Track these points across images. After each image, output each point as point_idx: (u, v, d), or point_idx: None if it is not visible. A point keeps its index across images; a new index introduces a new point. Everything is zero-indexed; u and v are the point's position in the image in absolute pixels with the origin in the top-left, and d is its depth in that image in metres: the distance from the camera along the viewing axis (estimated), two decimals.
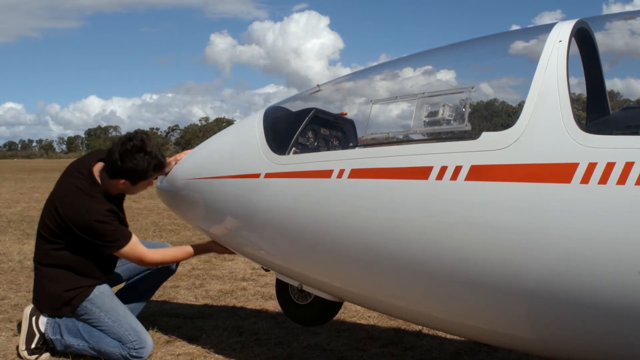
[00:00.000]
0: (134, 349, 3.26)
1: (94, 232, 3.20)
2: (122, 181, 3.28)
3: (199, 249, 3.53)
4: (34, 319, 3.36)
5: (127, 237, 3.30)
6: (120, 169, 3.23)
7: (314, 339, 3.73)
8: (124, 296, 3.67)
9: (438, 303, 2.39)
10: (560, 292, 1.96)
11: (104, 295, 3.34)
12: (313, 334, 3.82)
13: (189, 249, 3.51)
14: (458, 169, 2.15)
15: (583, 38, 2.71)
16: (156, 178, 3.46)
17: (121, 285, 3.85)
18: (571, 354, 2.17)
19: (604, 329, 1.96)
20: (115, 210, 3.33)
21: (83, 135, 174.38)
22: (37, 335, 3.34)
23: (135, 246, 3.32)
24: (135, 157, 3.20)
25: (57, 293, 3.29)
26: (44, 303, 3.35)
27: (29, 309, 3.40)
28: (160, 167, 3.33)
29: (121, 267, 3.69)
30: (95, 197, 3.26)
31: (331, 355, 3.46)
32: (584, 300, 1.92)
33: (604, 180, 1.84)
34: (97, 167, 3.35)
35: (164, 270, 3.81)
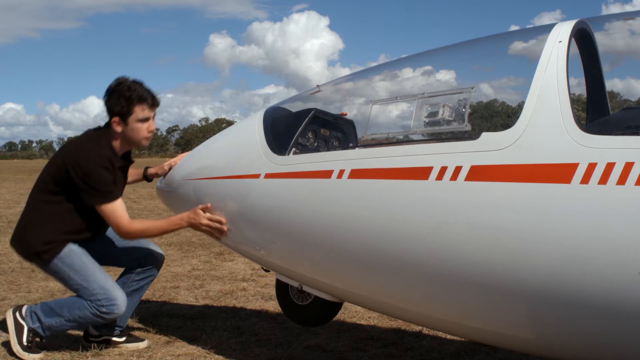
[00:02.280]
0: (104, 306, 3.21)
1: (84, 175, 3.12)
2: (115, 120, 3.20)
3: (177, 222, 3.20)
4: (17, 313, 3.35)
5: (113, 196, 3.20)
6: (107, 106, 3.22)
7: (314, 339, 3.73)
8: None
9: (438, 303, 2.39)
10: (560, 293, 1.96)
11: (73, 254, 3.26)
12: (313, 334, 3.82)
13: (168, 221, 3.28)
14: (458, 170, 2.15)
15: (583, 38, 2.71)
16: (148, 120, 3.25)
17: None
18: (571, 354, 2.17)
19: (604, 329, 1.96)
20: (113, 163, 3.25)
21: None
22: (25, 327, 3.31)
23: (117, 209, 3.20)
24: (116, 90, 3.19)
25: (32, 240, 3.29)
26: (19, 247, 3.43)
27: (10, 309, 3.41)
28: (141, 97, 3.20)
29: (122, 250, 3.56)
30: (98, 143, 3.22)
31: (331, 356, 3.46)
32: (584, 301, 1.92)
33: (604, 180, 1.84)
34: (105, 127, 3.34)
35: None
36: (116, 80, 3.25)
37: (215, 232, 3.08)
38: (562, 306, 1.98)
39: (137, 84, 3.23)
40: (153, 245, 3.61)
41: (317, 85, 3.32)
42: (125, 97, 3.16)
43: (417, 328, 3.88)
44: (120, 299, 3.25)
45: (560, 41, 2.17)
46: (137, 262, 3.52)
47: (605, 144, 1.90)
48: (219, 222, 3.03)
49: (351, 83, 3.57)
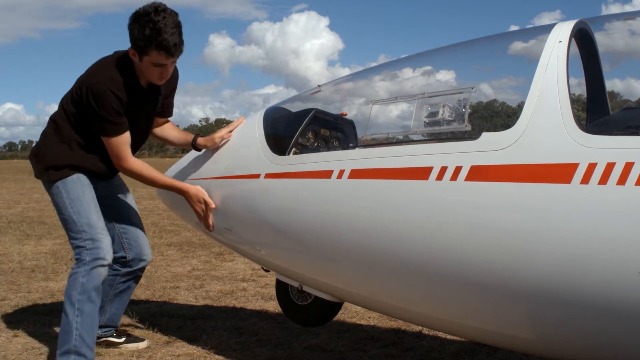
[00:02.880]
0: (88, 250, 2.95)
1: (95, 97, 2.85)
2: (131, 51, 2.86)
3: (179, 185, 3.08)
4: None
5: (121, 129, 2.93)
6: (128, 30, 2.83)
7: (314, 339, 3.72)
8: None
9: (438, 304, 2.39)
10: (561, 293, 1.96)
11: (77, 182, 3.05)
12: (313, 334, 3.82)
13: (168, 179, 3.11)
14: (458, 170, 2.15)
15: (583, 38, 2.71)
16: (163, 66, 2.87)
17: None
18: (571, 354, 2.17)
19: (604, 329, 1.96)
20: (128, 91, 2.91)
21: None
22: None
23: (123, 143, 2.97)
24: (139, 21, 2.76)
25: (45, 156, 3.09)
26: (34, 160, 3.19)
27: None
28: (161, 45, 2.75)
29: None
30: (116, 65, 2.92)
31: (331, 356, 3.46)
32: (584, 301, 1.92)
33: (604, 180, 1.84)
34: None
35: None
36: (146, 7, 2.77)
37: (202, 220, 3.06)
38: (562, 306, 1.98)
39: (165, 22, 2.73)
40: (146, 242, 3.41)
41: (318, 85, 3.32)
42: (144, 34, 2.74)
43: (417, 328, 3.88)
44: (105, 243, 2.99)
45: (560, 41, 2.17)
46: (122, 250, 3.30)
47: (605, 144, 1.91)
48: (207, 218, 3.03)
49: (351, 83, 3.57)
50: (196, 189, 3.03)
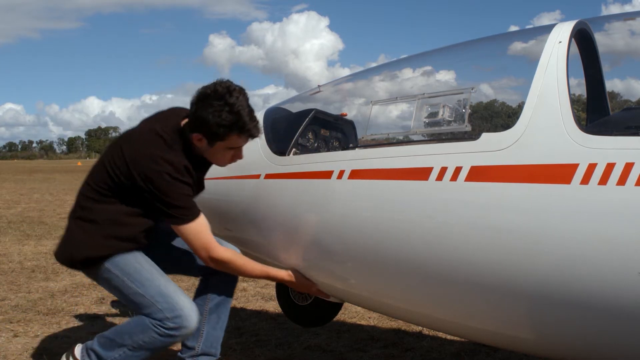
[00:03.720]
0: (168, 319, 2.53)
1: (159, 188, 2.47)
2: (197, 136, 2.52)
3: (275, 274, 2.80)
4: (71, 357, 2.73)
5: (195, 213, 2.56)
6: (194, 117, 2.52)
7: (314, 340, 3.73)
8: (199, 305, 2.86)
9: (438, 304, 2.39)
10: (561, 293, 1.96)
11: (129, 256, 2.63)
12: (313, 335, 3.82)
13: (262, 267, 2.77)
14: (458, 170, 2.15)
15: (583, 39, 2.71)
16: (239, 149, 2.61)
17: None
18: (571, 354, 2.17)
19: (604, 329, 1.96)
20: (192, 174, 2.59)
21: (83, 136, 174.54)
22: None
23: (203, 229, 2.58)
24: (211, 105, 2.44)
25: (79, 245, 2.62)
26: (63, 251, 2.69)
27: (63, 355, 2.79)
28: (243, 128, 2.48)
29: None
30: (173, 148, 2.54)
31: (331, 356, 3.46)
32: (584, 301, 1.92)
33: (604, 181, 1.84)
34: (183, 124, 2.62)
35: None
36: (216, 88, 2.47)
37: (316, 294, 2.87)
38: (562, 306, 1.98)
39: (240, 103, 2.47)
40: (224, 242, 2.88)
41: (319, 85, 3.32)
42: (222, 119, 2.45)
43: (417, 328, 3.88)
44: (187, 308, 2.58)
45: (560, 41, 2.17)
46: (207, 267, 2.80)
47: (605, 145, 1.90)
48: (319, 293, 2.84)
49: (351, 83, 3.57)
50: (289, 275, 2.80)
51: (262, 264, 2.78)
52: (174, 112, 2.72)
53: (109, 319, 4.32)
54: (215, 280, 2.92)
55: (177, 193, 2.51)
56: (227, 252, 2.65)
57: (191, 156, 2.57)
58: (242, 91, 2.50)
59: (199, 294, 2.97)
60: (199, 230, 2.57)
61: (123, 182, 2.54)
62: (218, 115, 2.44)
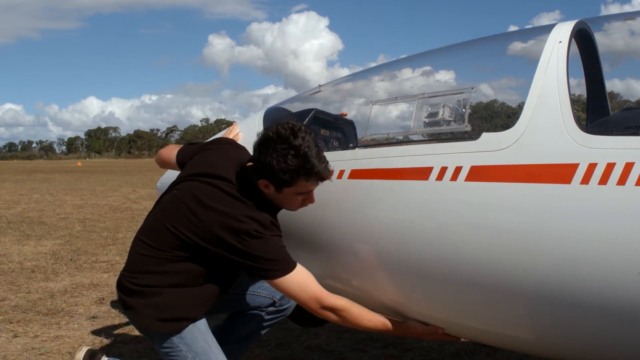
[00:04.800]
0: None
1: (241, 250, 2.29)
2: (264, 182, 2.33)
3: (398, 328, 2.54)
4: None
5: (292, 262, 2.35)
6: (257, 163, 2.34)
7: (314, 340, 3.73)
8: (223, 334, 2.76)
9: (438, 304, 2.39)
10: (561, 293, 1.95)
11: (196, 330, 2.45)
12: (313, 335, 3.82)
13: (382, 319, 2.50)
14: (458, 170, 2.15)
15: (583, 39, 2.71)
16: (308, 193, 2.41)
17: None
18: (571, 354, 2.17)
19: (604, 329, 1.96)
20: (278, 225, 2.41)
21: (83, 137, 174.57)
22: None
23: (307, 278, 2.36)
24: (275, 149, 2.25)
25: (149, 314, 2.40)
26: (133, 316, 2.48)
27: (80, 357, 2.66)
28: (312, 172, 2.28)
29: (237, 293, 2.76)
30: (249, 205, 2.36)
31: (332, 357, 3.46)
32: (584, 301, 1.92)
33: (604, 180, 1.84)
34: (245, 171, 2.44)
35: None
36: (279, 131, 2.27)
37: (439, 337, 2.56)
38: (562, 306, 1.98)
39: (307, 144, 2.26)
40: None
41: (319, 85, 3.32)
42: (288, 165, 2.25)
43: None
44: None
45: (560, 41, 2.17)
46: (271, 300, 2.77)
47: (605, 145, 1.90)
48: (442, 336, 2.52)
49: (351, 83, 3.57)
50: (408, 328, 2.54)
51: (380, 315, 2.50)
52: (223, 154, 2.53)
53: (109, 319, 4.31)
54: (272, 310, 2.81)
55: (270, 247, 2.31)
56: (341, 299, 2.39)
57: (266, 203, 2.40)
58: (307, 130, 2.30)
59: (250, 313, 2.81)
60: (303, 280, 2.35)
61: (186, 246, 2.34)
62: (283, 160, 2.23)
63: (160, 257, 2.37)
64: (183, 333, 2.41)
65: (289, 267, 2.32)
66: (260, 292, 2.69)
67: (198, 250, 2.33)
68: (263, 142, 2.30)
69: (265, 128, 2.37)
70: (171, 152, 2.77)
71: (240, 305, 2.74)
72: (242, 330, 2.75)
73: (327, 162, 2.34)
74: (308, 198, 2.41)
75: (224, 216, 2.30)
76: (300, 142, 2.24)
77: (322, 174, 2.31)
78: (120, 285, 2.47)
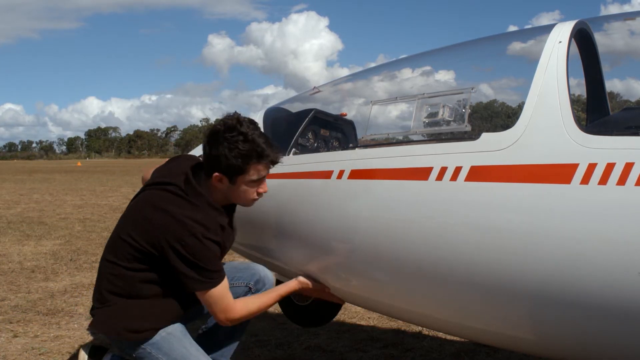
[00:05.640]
0: None
1: (189, 255, 2.31)
2: (217, 176, 2.39)
3: (286, 290, 2.71)
4: None
5: (221, 276, 2.41)
6: (208, 158, 2.41)
7: (314, 340, 3.73)
8: (209, 334, 2.81)
9: (438, 304, 2.39)
10: (561, 293, 1.95)
11: (172, 338, 2.45)
12: (313, 335, 3.82)
13: (273, 294, 2.67)
14: (458, 170, 2.15)
15: (583, 39, 2.71)
16: (261, 181, 2.47)
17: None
18: (572, 354, 2.17)
19: (604, 329, 1.96)
20: (223, 227, 2.47)
21: (83, 137, 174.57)
22: None
23: (226, 291, 2.44)
24: (225, 138, 2.34)
25: (113, 326, 2.43)
26: (99, 329, 2.50)
27: (84, 356, 2.67)
28: (263, 155, 2.37)
29: None
30: (201, 206, 2.39)
31: (331, 357, 3.46)
32: (584, 301, 1.92)
33: (604, 181, 1.84)
34: (195, 174, 2.49)
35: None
36: (226, 121, 2.38)
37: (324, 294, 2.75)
38: (562, 306, 1.98)
39: (257, 131, 2.39)
40: (260, 268, 2.83)
41: (314, 87, 3.32)
42: (239, 150, 2.33)
43: (417, 328, 3.88)
44: None
45: (560, 41, 2.17)
46: (247, 288, 2.78)
47: (605, 145, 1.90)
48: (329, 296, 2.75)
49: (351, 83, 3.57)
50: (299, 283, 2.73)
51: (268, 292, 2.67)
52: (177, 164, 2.59)
53: None
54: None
55: (208, 256, 2.35)
56: (242, 308, 2.50)
57: (218, 210, 2.44)
58: (252, 121, 2.41)
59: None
60: (222, 294, 2.42)
61: (142, 254, 2.38)
62: (234, 146, 2.32)
63: (123, 272, 2.41)
64: (159, 343, 2.43)
65: (218, 280, 2.39)
66: (233, 282, 2.70)
67: (151, 258, 2.37)
68: (212, 136, 2.38)
69: (212, 125, 2.44)
70: (150, 171, 2.81)
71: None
72: (225, 326, 2.73)
73: (277, 147, 2.45)
74: (262, 186, 2.47)
75: (173, 217, 2.34)
76: (247, 129, 2.35)
77: (272, 156, 2.41)
78: (92, 309, 2.53)
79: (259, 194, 2.50)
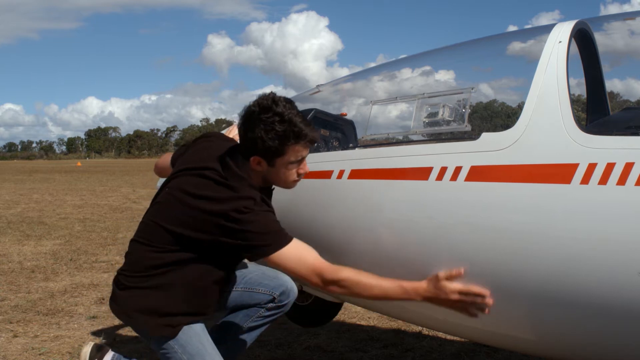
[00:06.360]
0: None
1: (238, 230, 2.23)
2: (256, 159, 2.30)
3: (408, 292, 2.22)
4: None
5: (286, 236, 2.29)
6: (245, 141, 2.31)
7: (314, 340, 3.73)
8: (222, 332, 2.73)
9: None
10: (561, 293, 1.95)
11: (191, 332, 2.41)
12: (313, 335, 3.82)
13: (393, 287, 2.22)
14: (458, 170, 2.15)
15: (583, 38, 2.71)
16: (301, 162, 2.36)
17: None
18: (572, 354, 2.17)
19: (604, 329, 1.96)
20: (270, 203, 2.39)
21: (83, 137, 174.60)
22: None
23: (305, 250, 2.29)
24: (260, 119, 2.24)
25: (141, 313, 2.38)
26: (121, 313, 2.46)
27: (87, 350, 2.64)
28: (300, 135, 2.26)
29: (233, 292, 2.69)
30: (236, 187, 2.31)
31: (331, 357, 3.46)
32: (584, 301, 1.92)
33: (604, 180, 1.84)
34: (233, 157, 2.40)
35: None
36: (260, 102, 2.27)
37: (472, 309, 2.16)
38: (562, 307, 1.98)
39: (290, 110, 2.27)
40: (286, 277, 2.68)
41: (317, 85, 3.32)
42: (276, 131, 2.23)
43: (417, 328, 3.88)
44: None
45: (560, 41, 2.17)
46: (271, 297, 2.67)
47: (605, 145, 1.90)
48: (476, 294, 2.12)
49: (351, 83, 3.57)
50: (428, 284, 2.18)
51: (391, 280, 2.24)
52: (211, 146, 2.49)
53: (109, 319, 4.31)
54: (272, 306, 2.70)
55: (265, 221, 2.26)
56: (343, 271, 2.25)
57: (257, 189, 2.35)
58: (288, 99, 2.31)
59: (248, 310, 2.72)
60: (301, 252, 2.27)
61: (181, 240, 2.30)
62: (270, 128, 2.22)
63: (155, 256, 2.36)
64: (178, 335, 2.38)
65: (284, 241, 2.26)
66: (259, 289, 2.66)
67: (192, 244, 2.30)
68: (247, 118, 2.28)
69: (247, 105, 2.33)
70: (166, 158, 2.77)
71: (239, 302, 2.70)
72: (241, 328, 2.71)
73: (314, 126, 2.34)
74: (302, 167, 2.37)
75: (213, 201, 2.26)
76: (283, 109, 2.24)
77: (310, 135, 2.30)
78: (117, 281, 2.46)
79: (299, 175, 2.40)
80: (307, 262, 2.26)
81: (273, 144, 2.24)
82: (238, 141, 2.43)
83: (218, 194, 2.28)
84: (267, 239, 2.24)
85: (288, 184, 2.42)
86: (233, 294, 2.68)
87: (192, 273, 2.36)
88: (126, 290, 2.40)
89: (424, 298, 2.19)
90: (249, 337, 2.77)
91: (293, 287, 2.70)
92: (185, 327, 2.40)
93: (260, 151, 2.27)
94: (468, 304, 2.14)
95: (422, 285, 2.19)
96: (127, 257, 2.48)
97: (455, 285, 2.13)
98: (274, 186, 2.50)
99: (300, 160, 2.35)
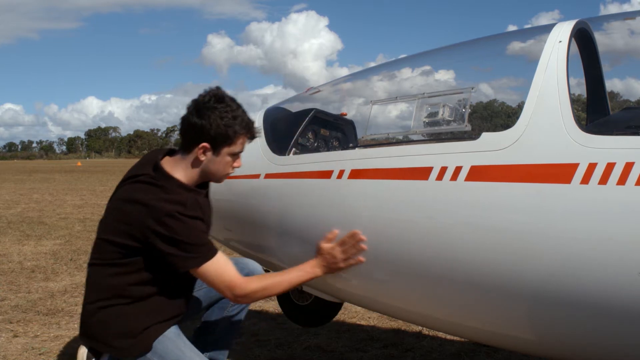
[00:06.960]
0: None
1: (165, 236, 2.24)
2: (203, 146, 2.34)
3: (308, 272, 2.48)
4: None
5: (213, 249, 2.35)
6: (194, 128, 2.34)
7: (314, 340, 3.72)
8: (204, 333, 2.77)
9: (438, 304, 2.39)
10: (561, 293, 1.95)
11: (166, 340, 2.39)
12: (313, 335, 3.82)
13: (294, 274, 2.46)
14: (458, 170, 2.15)
15: (583, 38, 2.71)
16: (238, 155, 2.45)
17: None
18: (572, 354, 2.17)
19: (604, 329, 1.96)
20: (201, 204, 2.40)
21: (83, 136, 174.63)
22: None
23: (224, 265, 2.36)
24: (215, 108, 2.32)
25: (104, 336, 2.36)
26: (89, 343, 2.45)
27: (84, 352, 2.66)
28: (250, 128, 2.40)
29: (199, 291, 2.70)
30: (176, 184, 2.36)
31: (331, 357, 3.46)
32: (584, 301, 1.92)
33: (604, 180, 1.84)
34: (166, 160, 2.44)
35: None
36: (214, 93, 2.37)
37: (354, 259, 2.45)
38: (562, 306, 1.98)
39: (241, 107, 2.41)
40: (250, 262, 2.79)
41: (309, 88, 3.32)
42: (232, 118, 2.34)
43: (417, 328, 3.88)
44: None
45: (560, 41, 2.17)
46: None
47: (605, 144, 1.90)
48: (355, 247, 2.42)
49: (351, 83, 3.57)
50: (320, 259, 2.48)
51: (288, 270, 2.48)
52: (146, 157, 2.54)
53: None
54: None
55: (191, 232, 2.29)
56: (250, 283, 2.40)
57: (186, 187, 2.39)
58: (235, 99, 2.44)
59: (220, 303, 2.78)
60: (220, 268, 2.35)
61: (132, 245, 2.29)
62: (226, 115, 2.32)
63: (111, 271, 2.34)
64: (154, 347, 2.37)
65: (209, 254, 2.32)
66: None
67: (135, 253, 2.30)
68: (200, 107, 2.35)
69: (197, 97, 2.40)
70: None
71: (208, 300, 2.72)
72: (221, 323, 2.72)
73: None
74: (237, 161, 2.46)
75: (145, 204, 2.27)
76: (232, 103, 2.38)
77: (254, 132, 2.45)
78: (84, 313, 2.42)
79: (233, 169, 2.48)
80: (224, 278, 2.36)
81: (225, 130, 2.33)
82: None
83: (147, 194, 2.30)
84: (196, 251, 2.30)
85: (222, 177, 2.49)
86: (199, 292, 2.69)
87: (151, 282, 2.35)
88: (94, 319, 2.37)
89: (321, 269, 2.46)
90: (233, 329, 2.81)
91: (256, 267, 2.75)
92: (160, 337, 2.38)
93: (210, 138, 2.34)
94: (352, 253, 2.42)
95: (312, 260, 2.47)
96: (87, 283, 2.45)
97: (333, 245, 2.44)
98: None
99: (238, 154, 2.44)
